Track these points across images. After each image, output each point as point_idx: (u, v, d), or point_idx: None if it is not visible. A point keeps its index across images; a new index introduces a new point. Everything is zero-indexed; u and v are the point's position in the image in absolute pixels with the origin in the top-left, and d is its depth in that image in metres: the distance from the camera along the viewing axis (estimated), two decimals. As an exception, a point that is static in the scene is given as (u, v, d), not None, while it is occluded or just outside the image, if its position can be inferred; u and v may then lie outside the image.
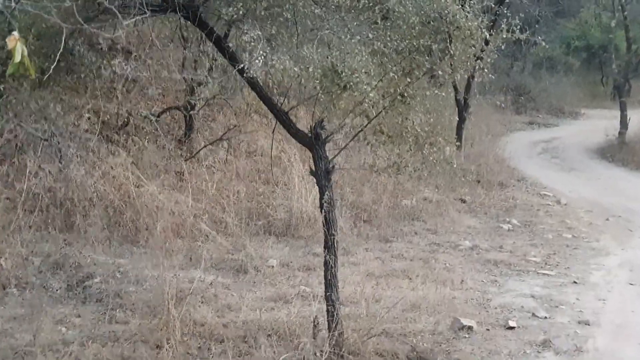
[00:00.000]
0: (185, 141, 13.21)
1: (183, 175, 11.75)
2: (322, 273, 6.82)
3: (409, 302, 8.15)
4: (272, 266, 9.41)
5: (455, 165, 7.31)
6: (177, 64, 13.30)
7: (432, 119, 7.08)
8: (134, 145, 12.09)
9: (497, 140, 22.83)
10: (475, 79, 16.11)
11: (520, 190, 15.41)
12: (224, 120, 14.66)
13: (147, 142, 12.35)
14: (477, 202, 13.85)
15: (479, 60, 6.89)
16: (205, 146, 12.82)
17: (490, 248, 10.94)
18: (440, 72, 6.71)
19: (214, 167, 12.56)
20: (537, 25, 34.99)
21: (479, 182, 15.30)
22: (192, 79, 12.77)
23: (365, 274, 9.25)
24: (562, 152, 21.94)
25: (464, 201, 13.84)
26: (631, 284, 9.49)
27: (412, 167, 6.91)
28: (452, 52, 6.54)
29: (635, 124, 22.17)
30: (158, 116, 12.90)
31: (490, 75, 7.12)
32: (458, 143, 16.23)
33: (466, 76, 7.33)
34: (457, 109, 16.64)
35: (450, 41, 6.52)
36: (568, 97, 31.72)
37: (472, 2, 6.66)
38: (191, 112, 13.02)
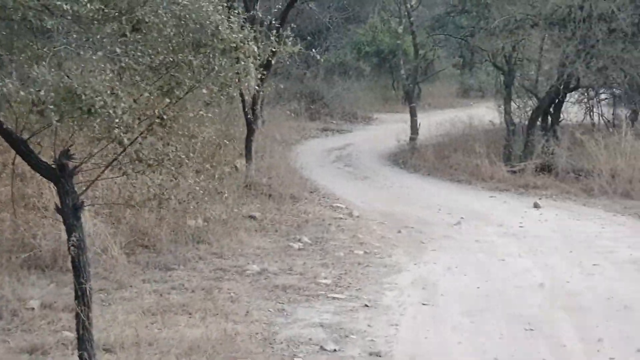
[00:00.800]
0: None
1: None
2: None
3: (186, 343, 7.31)
4: (33, 308, 8.29)
5: (226, 195, 6.51)
6: None
7: (198, 143, 6.27)
8: None
9: (291, 149, 22.45)
10: (262, 91, 15.48)
11: (313, 203, 14.87)
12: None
13: None
14: (268, 218, 13.16)
15: (248, 76, 6.15)
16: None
17: (280, 271, 10.24)
18: (204, 91, 5.92)
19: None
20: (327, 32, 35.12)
21: (270, 196, 14.67)
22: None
23: (140, 312, 8.32)
24: (355, 160, 21.77)
25: (254, 218, 13.11)
26: (424, 304, 9.06)
27: (177, 199, 6.08)
28: (216, 67, 5.78)
29: (426, 129, 22.33)
30: None
31: (260, 91, 6.43)
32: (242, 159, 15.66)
33: (237, 92, 6.52)
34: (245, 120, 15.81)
35: (214, 55, 5.77)
36: (361, 102, 31.85)
37: (237, 11, 5.93)
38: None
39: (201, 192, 6.05)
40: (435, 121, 23.31)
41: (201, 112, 5.99)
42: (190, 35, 5.78)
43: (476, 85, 37.07)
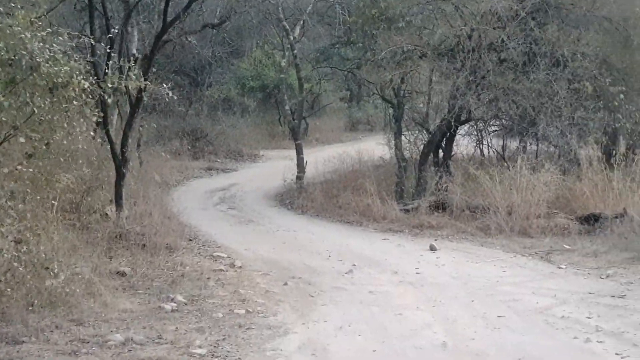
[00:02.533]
0: None
1: None
2: None
3: None
4: None
5: (55, 271, 5.22)
6: None
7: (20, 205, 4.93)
8: None
9: (172, 191, 21.16)
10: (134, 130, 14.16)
11: (191, 253, 13.50)
12: None
13: None
14: (139, 273, 11.72)
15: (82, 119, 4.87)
16: None
17: (147, 340, 8.82)
18: (22, 140, 4.62)
19: None
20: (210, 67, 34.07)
21: (144, 246, 13.24)
22: None
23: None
24: (239, 201, 20.54)
25: (123, 274, 11.69)
26: (313, 376, 7.88)
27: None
28: (35, 109, 4.49)
29: (313, 166, 21.34)
30: None
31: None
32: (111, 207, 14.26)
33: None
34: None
35: (33, 94, 4.48)
36: (246, 139, 30.84)
37: (62, 38, 4.66)
38: None
39: (20, 267, 4.74)
40: (323, 157, 22.39)
41: (19, 167, 4.65)
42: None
43: (364, 119, 36.55)
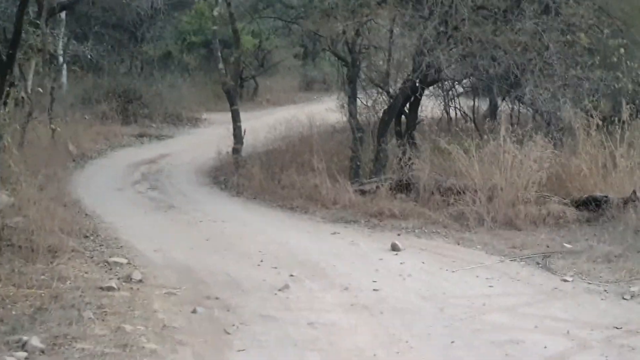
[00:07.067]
0: None
1: None
2: None
3: None
4: None
5: None
6: None
7: None
8: None
9: (87, 165, 17.92)
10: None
11: (81, 259, 10.16)
12: None
13: None
14: (-5, 295, 8.52)
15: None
16: None
17: None
18: None
19: None
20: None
21: (20, 248, 10.02)
22: None
23: None
24: (165, 179, 17.32)
25: (-29, 297, 8.47)
26: None
27: None
28: None
29: (259, 134, 18.21)
30: None
31: None
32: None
33: None
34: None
35: None
36: (186, 101, 27.49)
37: None
38: None
39: None
40: (271, 122, 19.27)
41: None
42: None
43: (320, 78, 33.49)
